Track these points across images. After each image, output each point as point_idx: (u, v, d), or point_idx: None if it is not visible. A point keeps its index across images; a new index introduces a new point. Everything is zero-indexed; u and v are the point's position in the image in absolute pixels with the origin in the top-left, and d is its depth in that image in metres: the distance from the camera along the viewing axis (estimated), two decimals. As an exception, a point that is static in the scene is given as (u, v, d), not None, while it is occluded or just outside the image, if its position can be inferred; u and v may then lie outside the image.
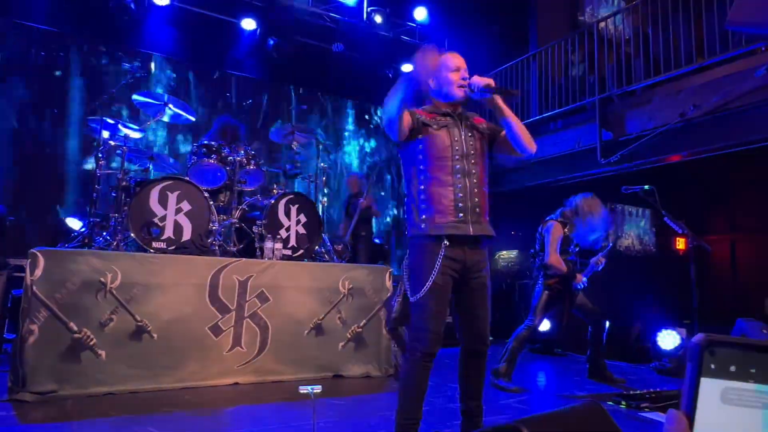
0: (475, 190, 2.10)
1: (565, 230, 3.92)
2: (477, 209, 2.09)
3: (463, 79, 2.14)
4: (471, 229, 2.06)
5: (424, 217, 2.08)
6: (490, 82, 2.10)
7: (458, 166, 2.08)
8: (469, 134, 2.15)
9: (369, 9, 7.13)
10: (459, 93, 2.14)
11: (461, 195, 2.06)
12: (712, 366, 0.48)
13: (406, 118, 2.08)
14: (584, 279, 3.93)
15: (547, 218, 4.00)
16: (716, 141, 4.80)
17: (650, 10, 5.40)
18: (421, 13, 7.35)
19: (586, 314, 4.02)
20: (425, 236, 2.07)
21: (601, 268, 4.06)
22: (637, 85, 5.46)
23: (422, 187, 2.10)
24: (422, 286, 2.03)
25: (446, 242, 2.03)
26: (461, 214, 2.05)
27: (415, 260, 2.10)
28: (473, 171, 2.11)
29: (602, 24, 6.15)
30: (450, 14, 7.63)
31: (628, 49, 5.79)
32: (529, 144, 2.14)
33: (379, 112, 7.97)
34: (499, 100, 2.10)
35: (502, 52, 7.44)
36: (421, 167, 2.11)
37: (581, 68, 6.27)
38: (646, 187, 3.65)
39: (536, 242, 4.03)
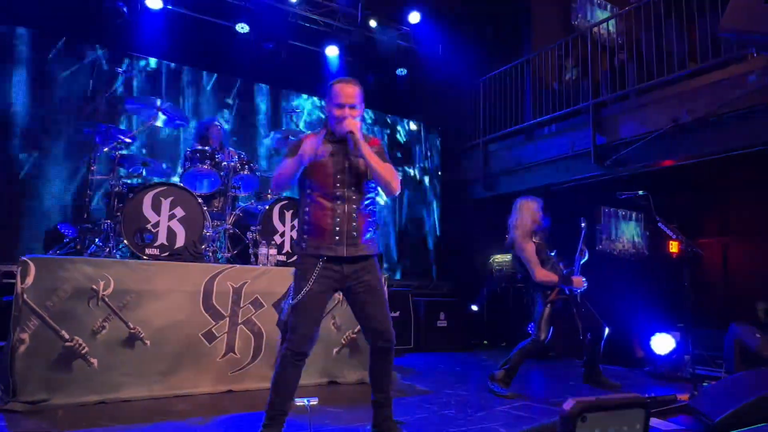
0: (354, 215, 2.32)
1: (534, 239, 3.87)
2: (354, 233, 2.31)
3: (343, 117, 2.29)
4: (345, 251, 2.29)
5: (305, 237, 2.33)
6: (352, 129, 2.26)
7: (339, 194, 2.30)
8: (357, 162, 2.33)
9: (363, 13, 7.13)
10: (339, 130, 2.31)
11: (339, 220, 2.29)
12: None
13: (293, 169, 2.30)
14: (584, 279, 3.85)
15: (510, 237, 3.93)
16: (708, 146, 4.84)
17: (643, 16, 5.43)
18: (415, 17, 7.36)
19: (586, 320, 3.99)
20: (305, 255, 2.32)
21: (586, 257, 3.98)
22: (630, 89, 5.49)
23: (306, 209, 2.34)
24: (299, 292, 2.26)
25: (322, 260, 2.27)
26: (337, 237, 2.28)
27: (296, 271, 2.35)
28: (353, 197, 2.33)
29: (596, 29, 6.19)
30: (444, 18, 7.64)
31: (621, 54, 5.83)
32: (389, 187, 2.34)
33: (371, 115, 7.97)
34: (362, 147, 2.26)
35: (496, 56, 7.46)
36: (308, 191, 2.35)
37: (575, 73, 6.30)
38: (641, 192, 3.66)
39: (515, 261, 3.97)
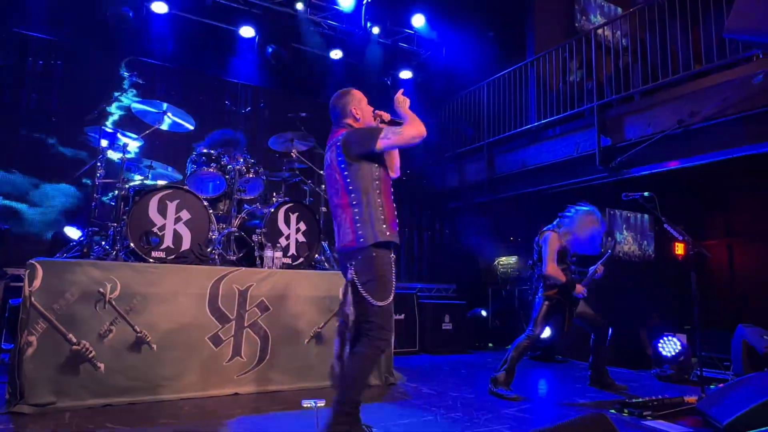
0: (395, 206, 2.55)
1: (562, 240, 3.90)
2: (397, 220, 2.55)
3: (375, 111, 2.69)
4: (398, 239, 2.51)
5: (384, 226, 2.41)
6: (383, 115, 2.68)
7: (392, 185, 2.56)
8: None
9: (367, 16, 7.15)
10: (372, 123, 2.65)
11: (395, 208, 2.52)
12: None
13: None
14: (584, 290, 3.90)
15: (545, 228, 3.97)
16: (714, 147, 4.82)
17: (647, 17, 5.42)
18: (418, 20, 7.37)
19: (588, 322, 4.01)
20: (384, 243, 2.38)
21: (599, 276, 4.04)
22: (635, 91, 5.48)
23: (379, 200, 2.43)
24: (390, 292, 2.38)
25: (393, 253, 2.44)
26: (396, 226, 2.50)
27: (381, 270, 2.39)
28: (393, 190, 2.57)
29: (600, 31, 6.19)
30: (447, 21, 7.66)
31: (626, 56, 5.82)
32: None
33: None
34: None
35: (500, 58, 7.47)
36: (377, 182, 2.46)
37: (579, 74, 6.29)
38: (646, 193, 3.65)
39: (534, 252, 4.00)
